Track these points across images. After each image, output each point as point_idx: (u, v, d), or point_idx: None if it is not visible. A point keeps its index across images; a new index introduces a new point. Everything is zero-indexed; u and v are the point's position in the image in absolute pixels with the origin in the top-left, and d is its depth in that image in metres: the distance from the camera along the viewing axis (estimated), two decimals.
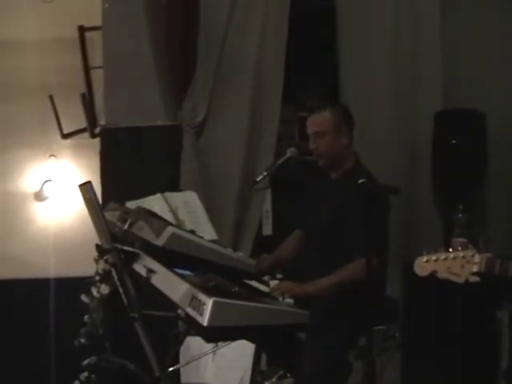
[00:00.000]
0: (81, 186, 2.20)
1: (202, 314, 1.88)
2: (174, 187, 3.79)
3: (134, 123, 3.86)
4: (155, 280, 2.41)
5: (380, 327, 2.61)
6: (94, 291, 3.62)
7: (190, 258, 1.92)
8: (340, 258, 2.52)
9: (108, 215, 2.34)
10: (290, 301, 2.21)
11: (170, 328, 3.81)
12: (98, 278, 3.62)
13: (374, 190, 2.32)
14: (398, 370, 3.26)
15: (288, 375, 3.85)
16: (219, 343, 2.20)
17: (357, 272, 2.47)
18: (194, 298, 1.98)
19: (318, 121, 2.72)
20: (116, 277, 2.22)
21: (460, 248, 3.53)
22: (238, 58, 3.85)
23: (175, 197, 3.20)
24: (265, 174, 2.67)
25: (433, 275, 2.03)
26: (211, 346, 3.86)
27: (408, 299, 3.48)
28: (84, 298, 3.65)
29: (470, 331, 3.17)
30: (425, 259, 1.99)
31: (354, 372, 2.52)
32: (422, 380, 3.25)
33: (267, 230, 4.42)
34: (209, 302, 1.87)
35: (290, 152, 2.74)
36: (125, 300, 2.21)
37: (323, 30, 4.37)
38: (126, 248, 2.19)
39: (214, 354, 3.77)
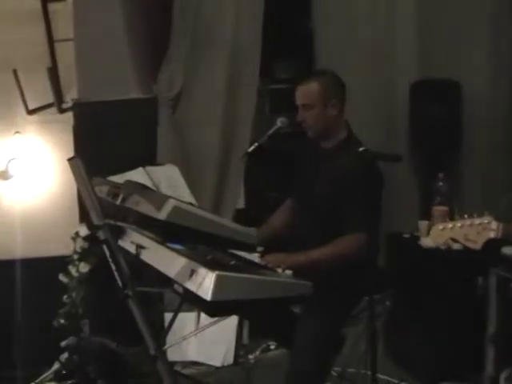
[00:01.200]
0: (69, 160, 2.11)
1: (204, 289, 1.83)
2: (152, 162, 3.71)
3: (108, 97, 3.74)
4: (146, 256, 2.36)
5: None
6: (73, 270, 3.53)
7: (193, 231, 1.86)
8: (337, 232, 2.47)
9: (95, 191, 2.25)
10: (289, 272, 2.18)
11: (152, 305, 3.79)
12: (76, 256, 3.53)
13: (376, 157, 2.28)
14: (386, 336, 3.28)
15: (271, 347, 3.88)
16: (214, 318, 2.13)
17: (353, 246, 2.44)
18: (193, 272, 1.93)
19: (306, 93, 2.63)
20: (108, 254, 2.14)
21: (440, 216, 3.62)
22: (214, 29, 3.77)
23: (157, 171, 3.11)
24: (256, 144, 2.60)
25: (449, 243, 2.01)
26: (193, 322, 3.88)
27: (392, 268, 3.51)
28: (62, 277, 3.55)
29: (455, 297, 3.20)
30: (441, 227, 1.98)
31: (355, 341, 2.52)
32: (409, 346, 3.28)
33: (239, 204, 4.39)
34: (211, 276, 1.82)
35: (280, 122, 2.68)
36: (118, 277, 2.14)
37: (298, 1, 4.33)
38: (119, 224, 2.13)
39: (196, 330, 3.75)
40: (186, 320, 3.75)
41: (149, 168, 3.09)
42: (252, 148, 2.59)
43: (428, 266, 3.31)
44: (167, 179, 3.15)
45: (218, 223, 1.93)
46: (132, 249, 2.45)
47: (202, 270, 1.88)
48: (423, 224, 3.49)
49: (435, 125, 4.03)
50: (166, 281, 2.17)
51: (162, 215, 1.80)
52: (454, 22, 4.12)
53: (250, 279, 1.91)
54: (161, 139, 3.76)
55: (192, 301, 1.95)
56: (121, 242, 2.50)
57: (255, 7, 3.78)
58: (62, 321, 3.54)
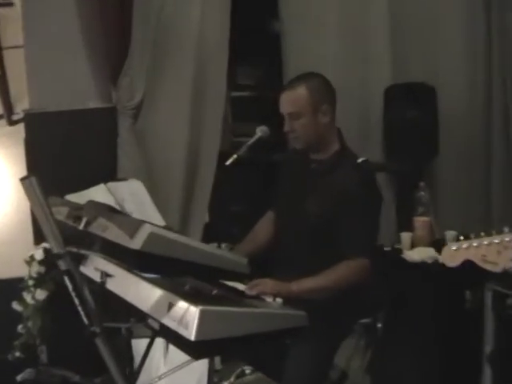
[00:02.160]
0: (22, 180, 1.83)
1: (186, 327, 1.57)
2: (112, 176, 3.43)
3: (62, 106, 3.44)
4: (112, 285, 2.08)
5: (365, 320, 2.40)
6: (28, 297, 3.21)
7: (173, 261, 1.60)
8: (331, 254, 2.22)
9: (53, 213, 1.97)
10: (279, 301, 1.93)
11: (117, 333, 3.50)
12: (31, 282, 3.21)
13: (376, 169, 2.05)
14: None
15: (247, 372, 3.62)
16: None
17: (357, 274, 2.19)
18: (172, 306, 1.67)
19: (292, 99, 2.34)
20: (71, 287, 1.86)
21: (423, 227, 3.44)
22: (177, 31, 3.51)
23: (120, 187, 2.85)
24: (235, 156, 2.34)
25: (464, 265, 1.79)
26: (161, 347, 3.60)
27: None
28: (16, 305, 3.23)
29: (443, 312, 3.02)
30: (454, 247, 1.76)
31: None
32: (400, 366, 3.08)
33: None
34: (195, 312, 1.56)
35: (260, 131, 2.43)
36: (82, 313, 1.86)
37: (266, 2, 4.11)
38: (83, 252, 1.85)
39: (166, 356, 3.48)
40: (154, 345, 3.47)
41: (111, 184, 2.83)
42: (230, 161, 2.33)
43: (414, 280, 3.12)
44: (131, 196, 2.89)
45: (203, 251, 1.67)
46: (96, 276, 2.17)
47: (183, 304, 1.62)
48: (406, 236, 3.29)
49: (410, 130, 3.87)
50: (137, 314, 1.91)
51: (135, 244, 1.53)
52: (428, 25, 3.99)
53: (238, 313, 1.65)
54: (121, 152, 3.48)
55: (171, 339, 1.69)
56: (83, 269, 2.22)
57: (222, 9, 3.54)
58: (18, 353, 3.22)
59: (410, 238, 3.28)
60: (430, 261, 3.08)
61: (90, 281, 2.18)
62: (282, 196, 2.51)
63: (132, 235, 1.55)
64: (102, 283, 2.11)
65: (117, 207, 2.64)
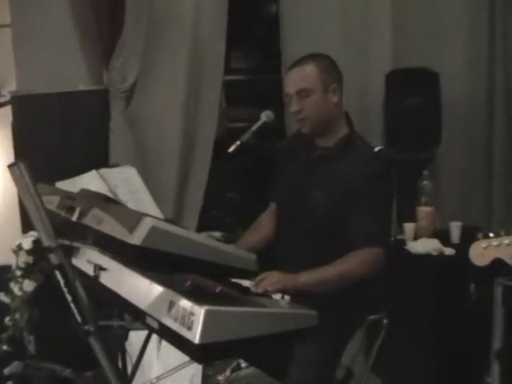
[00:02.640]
0: (10, 166, 1.69)
1: (190, 329, 1.45)
2: (104, 162, 3.29)
3: (51, 89, 3.28)
4: (107, 279, 1.95)
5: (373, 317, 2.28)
6: (15, 288, 3.07)
7: (176, 257, 1.47)
8: (340, 245, 2.09)
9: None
10: (287, 298, 1.81)
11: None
12: (19, 272, 3.07)
13: (396, 159, 1.91)
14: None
15: (242, 366, 3.51)
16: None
17: (371, 264, 2.06)
18: (173, 305, 1.54)
19: (302, 76, 2.20)
20: (63, 282, 1.73)
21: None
22: (173, 12, 3.35)
23: (113, 174, 2.70)
24: (238, 143, 2.19)
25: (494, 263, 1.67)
26: (154, 342, 3.48)
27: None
28: (3, 297, 3.09)
29: (447, 305, 2.92)
30: (484, 245, 1.64)
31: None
32: (406, 363, 2.98)
33: None
34: (199, 312, 1.43)
35: (265, 116, 2.28)
36: (75, 310, 1.73)
37: None
38: (75, 245, 1.72)
39: (159, 351, 3.36)
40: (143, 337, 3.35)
41: (103, 171, 2.68)
42: (233, 147, 2.19)
43: (419, 272, 3.01)
44: (125, 183, 2.74)
45: (209, 247, 1.53)
46: (89, 269, 2.04)
47: (186, 304, 1.49)
48: (409, 227, 3.18)
49: (412, 118, 3.75)
50: (134, 311, 1.78)
51: (136, 239, 1.40)
52: (430, 10, 3.86)
53: (246, 313, 1.53)
54: (113, 136, 3.33)
55: (172, 340, 1.56)
56: (74, 261, 2.09)
57: None
58: (5, 347, 3.09)
59: (413, 228, 3.17)
60: (435, 253, 2.98)
61: (81, 274, 2.05)
62: (284, 185, 2.37)
63: (131, 229, 1.41)
64: (96, 277, 1.98)
65: (109, 194, 2.51)
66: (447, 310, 2.94)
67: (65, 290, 1.76)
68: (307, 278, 2.00)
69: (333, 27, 3.74)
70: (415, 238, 3.14)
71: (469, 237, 3.22)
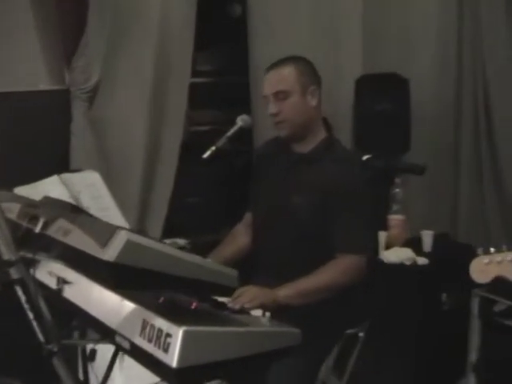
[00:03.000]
0: None
1: (166, 351, 1.33)
2: (64, 166, 3.13)
3: (8, 87, 3.10)
4: (71, 293, 1.81)
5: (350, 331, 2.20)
6: None
7: (153, 274, 1.35)
8: (322, 252, 2.03)
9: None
10: (268, 315, 1.70)
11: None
12: None
13: (391, 169, 1.84)
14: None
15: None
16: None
17: (353, 272, 2.01)
18: (146, 324, 1.42)
19: (280, 77, 2.16)
20: (24, 298, 1.59)
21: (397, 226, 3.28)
22: (138, 9, 3.21)
23: (75, 179, 2.56)
24: (213, 148, 2.08)
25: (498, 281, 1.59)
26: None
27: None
28: None
29: (420, 314, 2.87)
30: (486, 261, 1.56)
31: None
32: (380, 375, 2.91)
33: None
34: (177, 333, 1.32)
35: (241, 121, 2.18)
36: (38, 330, 1.59)
37: None
38: (38, 258, 1.58)
39: (122, 361, 3.21)
40: (106, 351, 3.21)
41: (65, 176, 2.53)
42: (208, 153, 2.08)
43: (392, 282, 2.95)
44: (88, 188, 2.60)
45: (189, 262, 1.41)
46: (51, 282, 1.90)
47: (161, 323, 1.37)
48: (382, 235, 3.12)
49: (381, 123, 3.71)
50: (101, 329, 1.65)
51: (108, 255, 1.27)
52: (400, 17, 3.85)
53: (226, 333, 1.41)
54: (75, 139, 3.17)
55: (146, 363, 1.44)
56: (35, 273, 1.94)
57: None
58: None
59: (386, 237, 3.11)
60: (408, 262, 2.93)
61: (42, 286, 1.90)
62: (262, 193, 2.29)
63: (104, 243, 1.29)
64: (59, 291, 1.84)
65: (72, 201, 2.37)
66: (423, 320, 2.89)
67: (26, 306, 1.63)
68: (287, 291, 1.92)
69: (302, 31, 3.66)
70: (387, 247, 3.08)
71: (440, 245, 3.20)
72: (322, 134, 2.25)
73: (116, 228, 1.33)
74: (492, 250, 1.59)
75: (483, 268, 1.57)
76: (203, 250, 2.44)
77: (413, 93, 3.77)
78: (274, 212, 2.21)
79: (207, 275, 1.43)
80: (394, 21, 3.85)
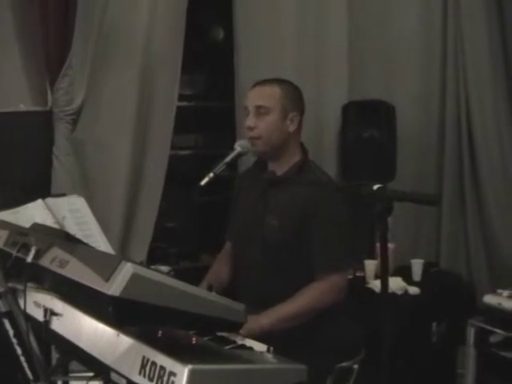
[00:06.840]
0: None
1: None
2: (45, 190, 3.03)
3: None
4: (60, 326, 1.71)
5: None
6: None
7: (160, 310, 1.26)
8: (300, 275, 2.03)
9: None
10: (263, 347, 1.63)
11: None
12: None
13: (404, 198, 1.77)
14: None
15: None
16: None
17: (330, 294, 2.02)
18: (147, 361, 1.33)
19: (263, 93, 2.20)
20: (12, 332, 1.50)
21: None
22: (124, 31, 3.14)
23: (60, 204, 2.47)
24: (211, 175, 2.02)
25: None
26: None
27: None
28: None
29: (412, 344, 2.81)
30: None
31: None
32: None
33: None
34: (182, 372, 1.23)
35: (239, 146, 2.13)
36: (26, 366, 1.50)
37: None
38: (31, 288, 1.48)
39: None
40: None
41: (50, 200, 2.44)
42: (206, 180, 2.02)
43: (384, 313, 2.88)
44: (73, 214, 2.50)
45: (196, 296, 1.33)
46: (37, 313, 1.79)
47: (164, 361, 1.29)
48: (370, 264, 3.07)
49: (367, 150, 3.69)
50: (95, 366, 1.55)
51: (114, 289, 1.19)
52: (386, 44, 3.87)
53: (233, 371, 1.33)
54: (57, 162, 3.07)
55: None
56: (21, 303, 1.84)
57: (175, 13, 3.22)
58: None
59: (375, 266, 3.06)
60: (399, 292, 2.88)
61: (27, 318, 1.80)
62: (239, 217, 2.30)
63: (107, 277, 1.20)
64: (46, 323, 1.74)
65: (56, 226, 2.28)
66: (418, 351, 2.84)
67: (14, 341, 1.53)
68: (270, 318, 1.94)
69: (288, 57, 3.65)
70: (376, 276, 3.03)
71: (429, 274, 3.16)
72: (296, 157, 2.26)
73: (120, 260, 1.24)
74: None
75: None
76: (184, 277, 2.38)
77: (398, 120, 3.77)
78: (249, 236, 2.22)
79: (214, 310, 1.35)
80: (380, 48, 3.86)
